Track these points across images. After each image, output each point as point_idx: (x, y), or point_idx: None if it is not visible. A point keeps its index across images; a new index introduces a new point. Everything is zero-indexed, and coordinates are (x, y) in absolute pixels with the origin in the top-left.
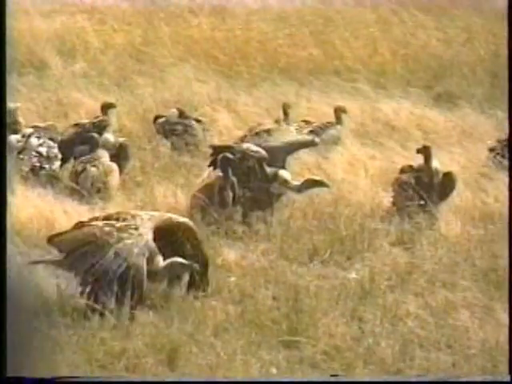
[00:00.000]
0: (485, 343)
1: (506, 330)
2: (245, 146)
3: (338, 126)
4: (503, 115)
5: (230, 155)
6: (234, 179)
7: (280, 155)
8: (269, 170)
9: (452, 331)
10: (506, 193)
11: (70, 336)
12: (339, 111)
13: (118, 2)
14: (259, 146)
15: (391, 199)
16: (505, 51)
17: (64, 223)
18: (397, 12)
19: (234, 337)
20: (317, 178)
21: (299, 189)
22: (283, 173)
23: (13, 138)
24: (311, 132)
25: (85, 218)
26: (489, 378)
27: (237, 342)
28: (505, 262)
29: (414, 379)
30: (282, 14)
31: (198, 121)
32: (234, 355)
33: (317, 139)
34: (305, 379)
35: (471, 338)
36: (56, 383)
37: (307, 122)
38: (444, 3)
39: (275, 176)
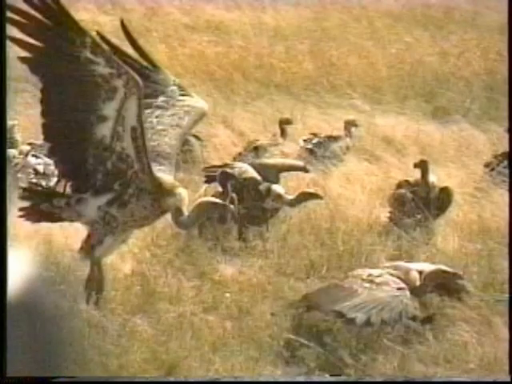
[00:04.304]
0: (483, 358)
1: (505, 346)
2: (238, 165)
3: (347, 139)
4: (499, 130)
5: (229, 170)
6: (234, 195)
7: (273, 172)
8: (262, 185)
9: (450, 346)
10: (503, 207)
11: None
12: (349, 124)
13: (113, 19)
14: (254, 162)
15: (388, 214)
16: (501, 66)
17: (61, 239)
18: (393, 27)
19: (232, 353)
20: (310, 190)
21: (293, 203)
22: (276, 187)
23: (10, 154)
24: (319, 144)
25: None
26: (489, 378)
27: (235, 358)
28: (503, 276)
29: (414, 379)
30: (279, 30)
31: (197, 137)
32: (233, 371)
33: (308, 167)
34: (305, 379)
35: (470, 352)
36: (56, 383)
37: (315, 135)
38: (440, 18)
39: (268, 191)
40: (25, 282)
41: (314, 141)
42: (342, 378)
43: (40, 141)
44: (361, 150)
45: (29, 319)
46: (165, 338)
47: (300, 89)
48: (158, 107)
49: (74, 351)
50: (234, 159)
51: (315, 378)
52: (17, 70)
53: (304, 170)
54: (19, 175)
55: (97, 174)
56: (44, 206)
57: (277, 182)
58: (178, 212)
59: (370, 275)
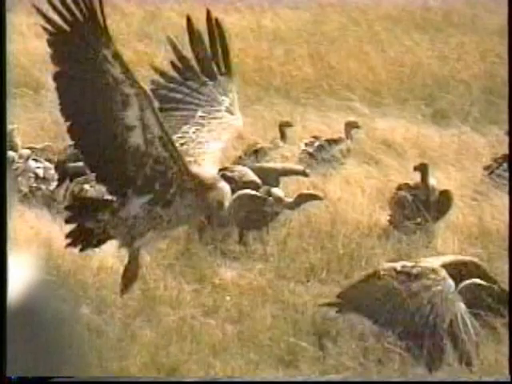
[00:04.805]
0: (484, 361)
1: (505, 349)
2: (238, 169)
3: (348, 141)
4: (499, 133)
5: (229, 174)
6: (275, 189)
7: (273, 175)
8: (262, 189)
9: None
10: (503, 210)
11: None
12: (350, 126)
13: (113, 23)
14: (253, 166)
15: (388, 217)
16: (500, 69)
17: (62, 243)
18: (392, 30)
19: (232, 356)
20: (309, 191)
21: (293, 205)
22: (276, 191)
23: (10, 158)
24: (320, 147)
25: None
26: (489, 379)
27: (236, 362)
28: (503, 279)
29: (414, 379)
30: (278, 33)
31: None
32: (233, 375)
33: (308, 170)
34: (305, 379)
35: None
36: (55, 383)
37: (317, 138)
38: (439, 21)
39: (268, 195)
40: (25, 285)
41: (316, 144)
42: (342, 378)
43: (40, 144)
44: (361, 153)
45: (29, 322)
46: (165, 342)
47: (299, 92)
48: (196, 123)
49: (74, 354)
50: (234, 163)
51: (315, 378)
52: (16, 74)
53: (304, 174)
54: (19, 179)
55: (137, 176)
56: (89, 223)
57: (277, 185)
58: (219, 206)
59: (404, 266)
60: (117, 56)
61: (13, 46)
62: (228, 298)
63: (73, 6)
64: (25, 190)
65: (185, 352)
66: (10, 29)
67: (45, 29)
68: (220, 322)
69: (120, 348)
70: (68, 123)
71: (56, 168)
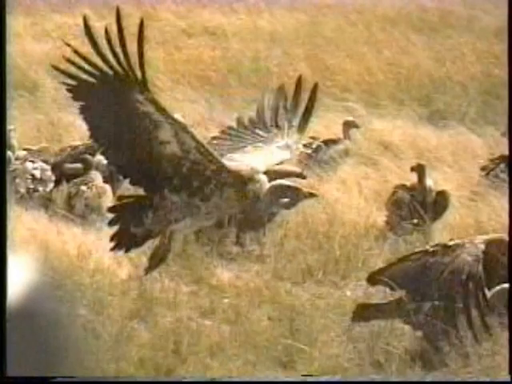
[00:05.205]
0: (483, 358)
1: (505, 352)
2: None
3: (347, 141)
4: (496, 134)
5: None
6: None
7: (270, 177)
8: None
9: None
10: (500, 211)
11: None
12: (348, 126)
13: (110, 25)
14: None
15: (385, 218)
16: (497, 70)
17: (58, 245)
18: (389, 31)
19: (229, 357)
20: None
21: (288, 205)
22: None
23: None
24: (318, 148)
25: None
26: (489, 379)
27: (233, 363)
28: None
29: (414, 379)
30: (275, 34)
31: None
32: (230, 376)
33: (307, 171)
34: (305, 379)
35: (470, 357)
36: (55, 383)
37: (315, 138)
38: (436, 22)
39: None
40: (21, 286)
41: (314, 145)
42: (340, 379)
43: (36, 146)
44: (358, 154)
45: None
46: (162, 343)
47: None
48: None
49: (70, 356)
50: None
51: (315, 378)
52: (12, 75)
53: (301, 176)
54: (17, 181)
55: (173, 176)
56: (132, 224)
57: None
58: (255, 198)
59: (451, 239)
60: (153, 101)
61: (9, 48)
62: (226, 300)
63: (111, 58)
64: (22, 191)
65: (182, 353)
66: (7, 30)
67: (71, 76)
68: (217, 322)
69: (117, 349)
70: (102, 148)
71: (53, 169)
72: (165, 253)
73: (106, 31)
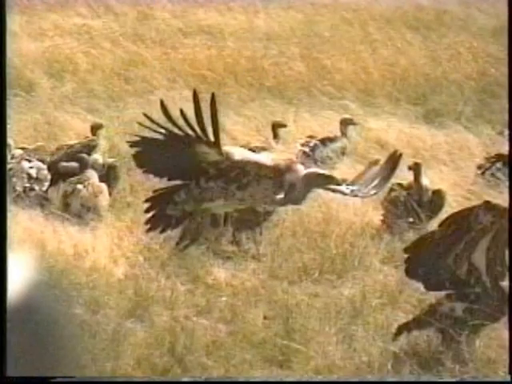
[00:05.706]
0: (484, 362)
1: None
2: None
3: (344, 139)
4: (492, 132)
5: None
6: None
7: None
8: None
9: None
10: None
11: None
12: (345, 123)
13: (106, 23)
14: None
15: (381, 217)
16: (492, 69)
17: (55, 244)
18: (384, 31)
19: (225, 356)
20: None
21: (284, 202)
22: None
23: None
24: (315, 146)
25: None
26: (489, 379)
27: (229, 362)
28: None
29: (413, 379)
30: (271, 33)
31: None
32: (227, 374)
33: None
34: (305, 379)
35: (469, 357)
36: (55, 383)
37: (312, 137)
38: (431, 21)
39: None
40: (19, 286)
41: (311, 144)
42: (337, 379)
43: (32, 145)
44: (354, 152)
45: (26, 322)
46: (158, 342)
47: (292, 92)
48: None
49: (67, 355)
50: None
51: (315, 378)
52: (8, 74)
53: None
54: (13, 180)
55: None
56: (169, 207)
57: None
58: (291, 188)
59: None
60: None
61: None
62: (222, 299)
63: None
64: (18, 190)
65: (178, 352)
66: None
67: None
68: (213, 321)
69: (113, 348)
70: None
71: (49, 168)
72: (196, 233)
73: (182, 112)
